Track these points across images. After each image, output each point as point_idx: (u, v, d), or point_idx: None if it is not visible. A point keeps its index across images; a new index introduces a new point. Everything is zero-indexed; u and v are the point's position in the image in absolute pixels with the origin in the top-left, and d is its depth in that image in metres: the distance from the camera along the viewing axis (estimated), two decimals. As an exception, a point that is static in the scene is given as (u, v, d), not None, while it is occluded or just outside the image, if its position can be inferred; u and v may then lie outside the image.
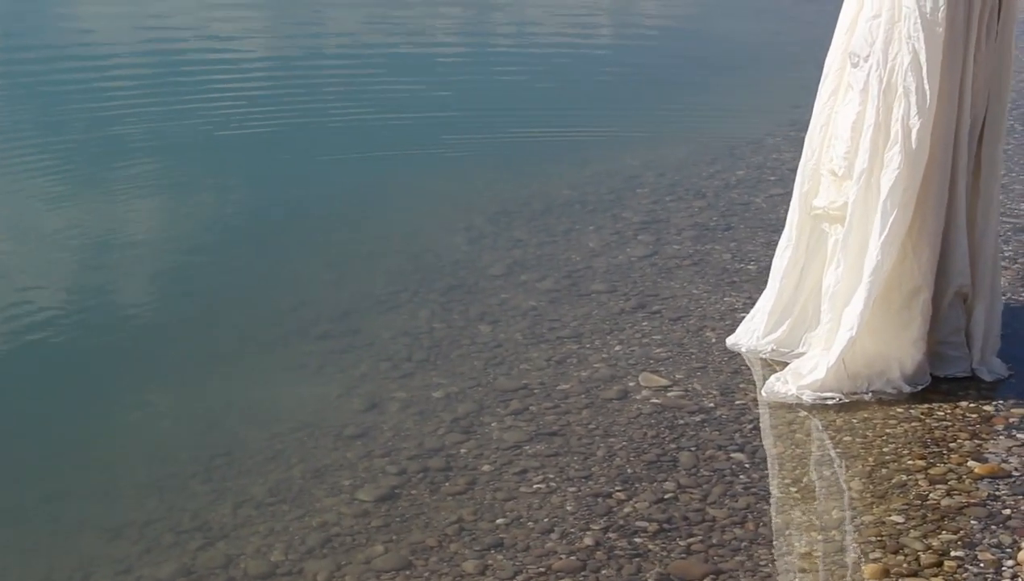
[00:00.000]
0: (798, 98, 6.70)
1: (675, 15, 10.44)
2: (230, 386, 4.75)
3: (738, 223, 6.04)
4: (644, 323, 5.15)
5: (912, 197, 4.46)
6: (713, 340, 5.02)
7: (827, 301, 4.62)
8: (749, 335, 4.93)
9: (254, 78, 8.50)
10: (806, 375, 4.61)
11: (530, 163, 6.77)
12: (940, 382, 4.69)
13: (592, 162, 6.76)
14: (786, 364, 4.74)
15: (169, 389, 4.76)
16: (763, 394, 4.61)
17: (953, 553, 3.71)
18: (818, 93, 4.70)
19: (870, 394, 4.58)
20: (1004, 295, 5.27)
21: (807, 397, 4.56)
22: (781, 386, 4.62)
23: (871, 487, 4.10)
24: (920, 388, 4.62)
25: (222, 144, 7.21)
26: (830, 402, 4.54)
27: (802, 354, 4.76)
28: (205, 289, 5.54)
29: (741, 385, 4.70)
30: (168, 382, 4.80)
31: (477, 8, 10.42)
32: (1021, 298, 5.35)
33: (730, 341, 4.96)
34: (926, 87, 4.41)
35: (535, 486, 4.06)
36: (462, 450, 4.28)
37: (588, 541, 3.77)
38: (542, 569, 3.65)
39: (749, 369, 4.82)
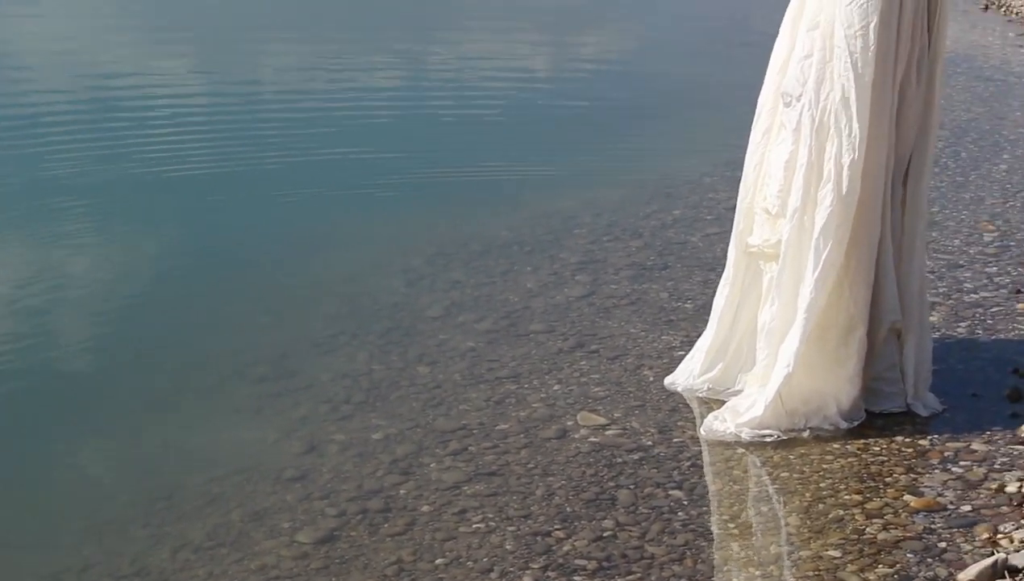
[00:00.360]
0: (733, 138, 6.76)
1: (610, 58, 10.51)
2: (168, 431, 4.74)
3: (675, 262, 6.08)
4: (582, 362, 5.17)
5: (845, 234, 4.51)
6: (651, 378, 5.04)
7: (763, 338, 4.65)
8: (686, 375, 4.95)
9: (187, 121, 8.47)
10: (744, 413, 4.64)
11: (467, 205, 6.79)
12: (875, 417, 4.73)
13: (529, 203, 6.79)
14: (723, 402, 4.77)
15: (107, 435, 4.74)
16: (702, 432, 4.64)
17: (890, 586, 3.75)
18: (751, 133, 4.74)
19: (807, 431, 4.61)
20: (939, 331, 5.33)
21: (745, 435, 4.59)
22: (719, 424, 4.64)
23: (808, 522, 4.13)
24: (856, 424, 4.66)
25: (153, 187, 7.18)
26: (768, 439, 4.57)
27: (738, 392, 4.79)
28: (141, 334, 5.52)
29: (679, 423, 4.72)
30: (106, 428, 4.78)
31: (414, 50, 10.44)
32: (955, 334, 5.40)
33: (667, 380, 4.99)
34: (855, 126, 4.46)
35: (474, 526, 4.07)
36: (401, 491, 4.28)
37: (527, 580, 3.78)
38: (482, 608, 3.66)
39: (687, 407, 4.84)
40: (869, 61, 4.43)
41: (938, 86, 4.65)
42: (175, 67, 9.95)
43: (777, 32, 4.70)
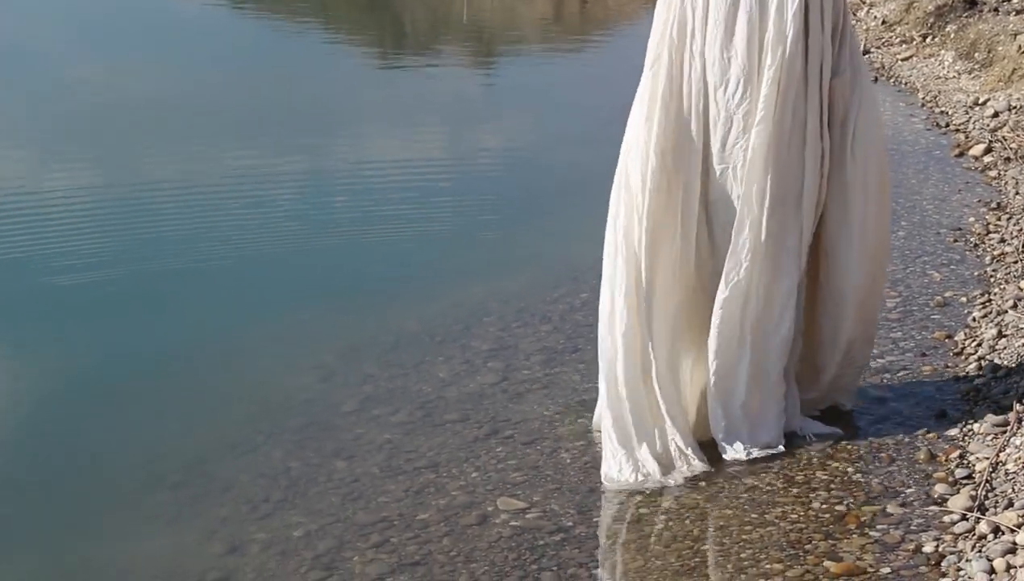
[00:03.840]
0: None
1: (508, 148, 10.58)
2: (86, 544, 4.69)
3: (584, 344, 6.11)
4: (499, 448, 5.19)
5: None
6: (568, 460, 5.07)
7: None
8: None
9: (81, 224, 8.38)
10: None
11: (375, 299, 6.80)
12: (791, 485, 4.80)
13: (438, 294, 6.81)
14: None
15: (22, 553, 4.67)
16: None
17: (815, 651, 3.79)
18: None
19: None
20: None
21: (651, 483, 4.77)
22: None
23: (732, 593, 4.18)
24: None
25: (49, 294, 7.10)
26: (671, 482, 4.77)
27: None
28: (52, 447, 5.44)
29: (598, 503, 4.76)
30: (20, 546, 4.71)
31: (313, 144, 10.46)
32: (864, 398, 5.47)
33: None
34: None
35: (401, 617, 4.07)
36: (326, 586, 4.29)
37: (457, 667, 3.79)
38: None
39: (606, 487, 4.87)
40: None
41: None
42: (65, 167, 9.84)
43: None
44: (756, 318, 4.92)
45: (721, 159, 4.89)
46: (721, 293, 4.89)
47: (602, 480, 4.88)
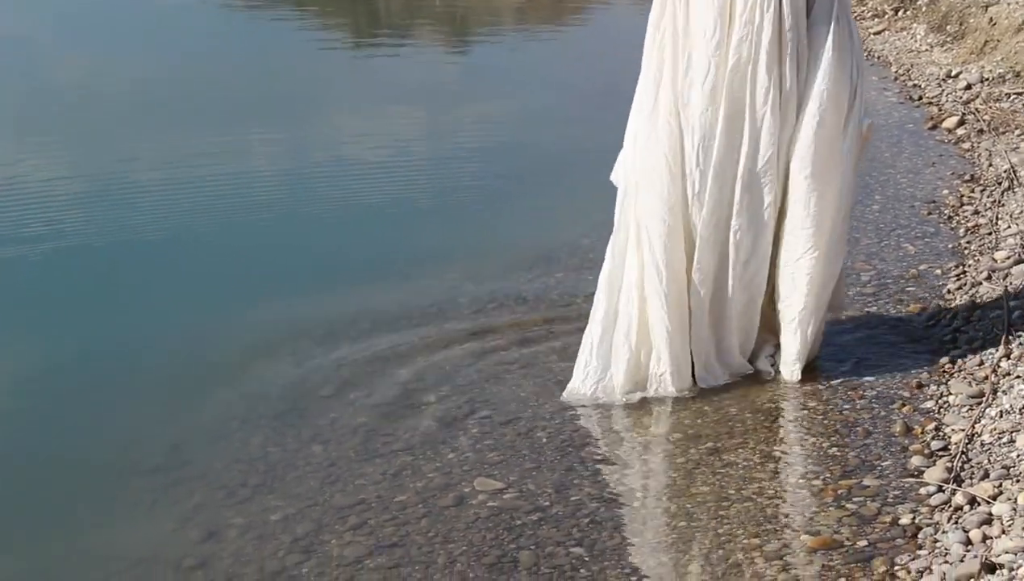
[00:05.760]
0: (607, 200, 6.85)
1: (482, 129, 10.56)
2: (61, 531, 4.67)
3: (559, 325, 6.12)
4: (475, 429, 5.19)
5: None
6: (544, 440, 5.07)
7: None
8: None
9: (55, 210, 8.34)
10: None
11: (351, 283, 6.78)
12: (767, 461, 4.82)
13: (412, 277, 6.80)
14: None
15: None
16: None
17: (793, 624, 3.80)
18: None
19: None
20: (824, 371, 5.43)
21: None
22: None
23: (709, 568, 4.19)
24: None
25: (25, 277, 7.09)
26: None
27: None
28: (27, 435, 5.42)
29: (575, 481, 4.76)
30: (-1, 534, 4.73)
31: (290, 131, 10.44)
32: (839, 372, 5.48)
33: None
34: None
35: (379, 599, 4.07)
36: (303, 569, 4.28)
37: (435, 647, 3.79)
38: (392, 679, 3.66)
39: (583, 465, 4.88)
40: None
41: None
42: (40, 152, 9.79)
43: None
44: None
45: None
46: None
47: (563, 395, 5.37)
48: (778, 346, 5.48)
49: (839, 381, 5.44)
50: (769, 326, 5.47)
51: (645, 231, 5.26)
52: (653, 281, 5.24)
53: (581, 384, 5.36)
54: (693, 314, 5.31)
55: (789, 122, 5.17)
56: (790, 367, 5.40)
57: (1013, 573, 3.89)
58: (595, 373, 5.36)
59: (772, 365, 5.47)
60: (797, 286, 5.30)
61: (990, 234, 6.91)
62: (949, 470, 4.60)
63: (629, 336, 5.32)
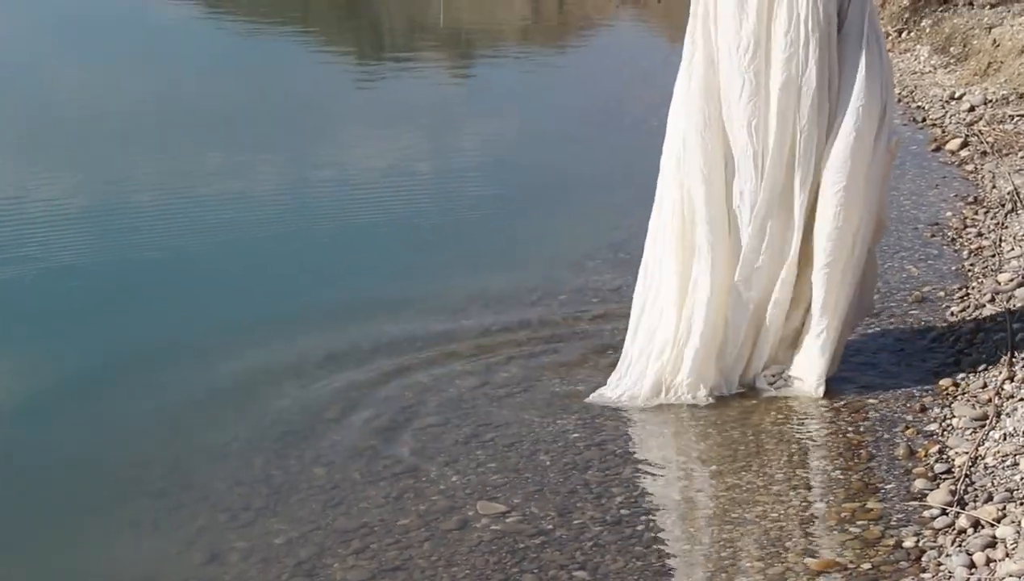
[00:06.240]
0: (612, 220, 6.87)
1: (486, 150, 10.56)
2: (65, 552, 4.67)
3: (563, 347, 6.12)
4: (479, 452, 5.19)
5: None
6: (547, 463, 5.07)
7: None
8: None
9: (59, 226, 8.32)
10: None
11: (354, 305, 6.77)
12: (771, 484, 4.81)
13: (415, 300, 6.78)
14: None
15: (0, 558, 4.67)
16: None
17: (796, 649, 3.79)
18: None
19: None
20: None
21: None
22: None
23: (712, 592, 4.18)
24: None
25: (28, 296, 7.09)
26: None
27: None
28: (31, 454, 5.43)
29: (578, 504, 4.75)
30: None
31: (291, 149, 10.44)
32: (842, 393, 5.48)
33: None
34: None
35: (382, 622, 4.07)
36: (306, 593, 4.29)
37: (438, 672, 3.79)
38: None
39: (586, 487, 4.88)
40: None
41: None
42: (40, 169, 9.78)
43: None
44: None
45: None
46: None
47: (589, 398, 5.56)
48: (783, 365, 5.51)
49: (842, 403, 5.44)
50: (786, 341, 5.51)
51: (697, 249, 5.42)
52: (701, 294, 5.40)
53: (611, 391, 5.55)
54: (730, 325, 5.45)
55: (824, 137, 5.30)
56: (816, 382, 5.47)
57: (1017, 597, 3.89)
58: (626, 382, 5.55)
59: (771, 383, 5.48)
60: (821, 296, 5.38)
61: (993, 256, 6.91)
62: (953, 493, 4.60)
63: (664, 351, 5.47)
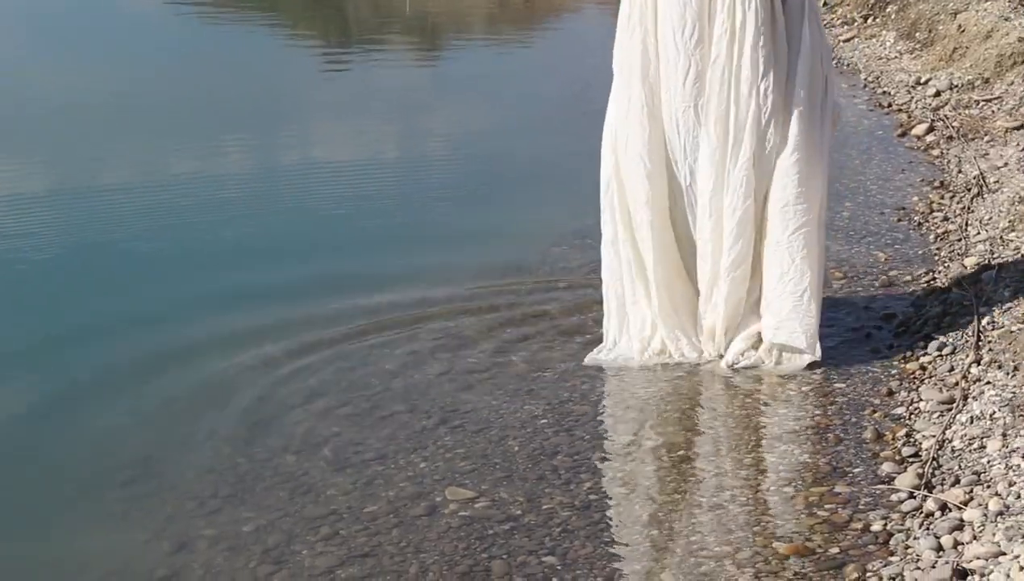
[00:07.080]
0: (579, 207, 6.85)
1: (453, 139, 10.55)
2: (31, 542, 4.64)
3: (532, 333, 6.12)
4: (447, 438, 5.18)
5: None
6: (516, 448, 5.06)
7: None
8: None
9: (23, 217, 8.27)
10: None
11: (320, 292, 6.75)
12: (739, 468, 4.82)
13: (383, 287, 6.76)
14: None
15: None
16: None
17: (765, 632, 3.80)
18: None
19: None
20: (794, 377, 5.44)
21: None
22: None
23: (681, 576, 4.20)
24: None
25: None
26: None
27: None
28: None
29: (546, 490, 4.75)
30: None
31: (259, 139, 10.41)
32: (810, 379, 5.49)
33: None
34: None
35: (350, 609, 4.06)
36: (275, 580, 4.26)
37: (407, 658, 3.78)
38: None
39: (554, 473, 4.87)
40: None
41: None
42: (10, 158, 9.73)
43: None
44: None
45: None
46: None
47: (586, 359, 5.75)
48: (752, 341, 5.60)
49: (810, 387, 5.45)
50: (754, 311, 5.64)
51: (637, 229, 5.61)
52: (646, 267, 5.62)
53: (605, 354, 5.76)
54: (700, 294, 5.67)
55: (774, 111, 5.39)
56: (811, 343, 5.55)
57: (984, 578, 3.90)
58: (613, 343, 5.76)
59: (733, 364, 5.61)
60: (795, 261, 5.47)
61: (960, 240, 6.93)
62: (920, 476, 4.61)
63: (637, 317, 5.72)
